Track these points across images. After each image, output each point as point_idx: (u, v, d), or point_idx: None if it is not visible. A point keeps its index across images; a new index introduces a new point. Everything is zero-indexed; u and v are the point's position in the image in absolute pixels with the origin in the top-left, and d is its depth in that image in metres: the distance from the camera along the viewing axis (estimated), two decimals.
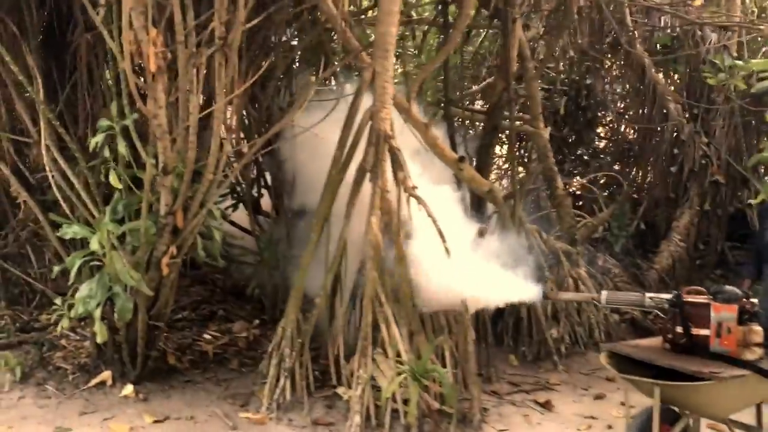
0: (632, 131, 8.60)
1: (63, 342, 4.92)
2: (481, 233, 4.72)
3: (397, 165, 4.14)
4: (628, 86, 8.29)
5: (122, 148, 3.65)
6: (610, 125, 8.95)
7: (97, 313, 3.89)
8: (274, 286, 5.72)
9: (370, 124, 4.18)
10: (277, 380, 4.06)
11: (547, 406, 4.31)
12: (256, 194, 6.02)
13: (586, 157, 8.33)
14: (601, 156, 8.71)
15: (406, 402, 3.64)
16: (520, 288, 4.00)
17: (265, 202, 6.17)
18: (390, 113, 4.21)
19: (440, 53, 4.94)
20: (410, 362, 3.65)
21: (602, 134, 9.08)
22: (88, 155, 4.25)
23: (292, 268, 5.36)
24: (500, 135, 5.83)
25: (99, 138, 3.70)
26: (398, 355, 3.81)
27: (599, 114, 8.63)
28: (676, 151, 7.64)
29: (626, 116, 8.64)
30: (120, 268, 3.82)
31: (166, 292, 4.30)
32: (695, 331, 2.97)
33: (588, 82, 8.08)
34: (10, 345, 4.92)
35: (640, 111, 8.03)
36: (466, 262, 4.04)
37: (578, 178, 8.09)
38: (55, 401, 4.16)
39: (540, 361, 5.30)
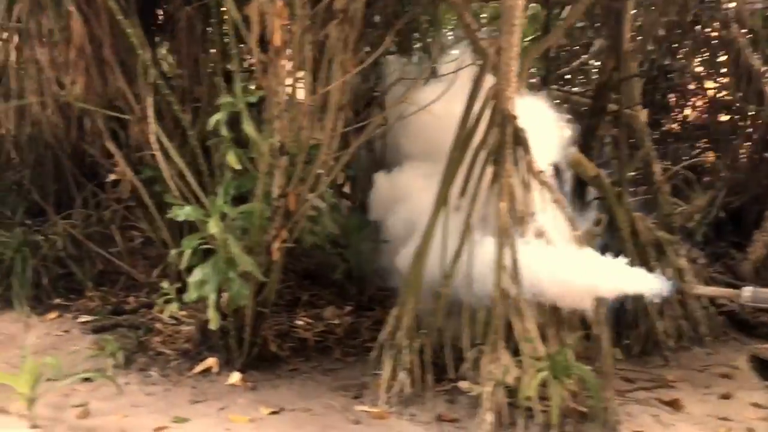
0: (718, 114, 8.21)
1: (159, 326, 4.78)
2: (598, 222, 4.47)
3: (524, 147, 3.89)
4: (717, 67, 7.88)
5: (248, 127, 3.44)
6: (693, 108, 8.57)
7: (212, 298, 3.73)
8: (360, 271, 5.54)
9: (494, 103, 3.92)
10: (394, 372, 3.87)
11: (675, 405, 4.05)
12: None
13: (669, 140, 8.01)
14: (680, 139, 8.37)
15: (542, 400, 3.42)
16: (643, 279, 3.76)
17: None
18: (515, 92, 3.95)
19: (556, 29, 4.67)
20: (549, 358, 3.42)
21: (682, 118, 8.71)
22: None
23: (378, 253, 5.18)
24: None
25: (220, 115, 3.50)
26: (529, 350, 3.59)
27: (680, 96, 8.29)
28: None
29: (710, 98, 8.25)
30: (237, 252, 3.64)
31: (274, 278, 4.13)
32: None
33: (667, 62, 7.75)
34: (105, 328, 4.81)
35: (733, 93, 7.65)
36: (585, 251, 3.79)
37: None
38: (161, 388, 4.01)
39: (646, 355, 5.03)
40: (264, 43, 3.52)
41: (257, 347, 4.24)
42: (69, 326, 4.91)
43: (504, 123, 3.88)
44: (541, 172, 3.89)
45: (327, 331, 4.87)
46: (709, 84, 8.09)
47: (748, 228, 7.46)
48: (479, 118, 3.95)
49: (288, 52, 3.63)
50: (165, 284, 4.14)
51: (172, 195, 3.98)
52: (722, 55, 7.50)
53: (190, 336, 4.52)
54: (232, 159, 3.58)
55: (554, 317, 3.87)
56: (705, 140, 8.20)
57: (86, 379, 3.87)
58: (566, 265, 3.60)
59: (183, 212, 3.80)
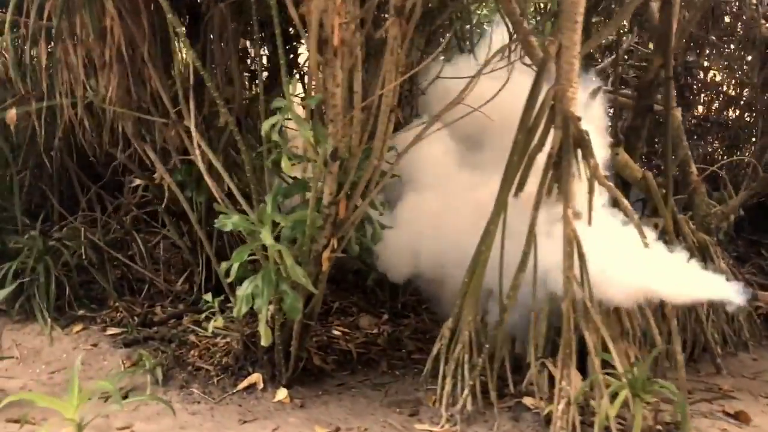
0: (741, 113, 8.07)
1: (192, 338, 4.56)
2: (656, 226, 4.31)
3: (587, 150, 3.71)
4: (744, 66, 7.74)
5: (306, 131, 3.23)
6: (715, 106, 8.43)
7: (264, 312, 3.52)
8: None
9: (555, 104, 3.74)
10: (453, 388, 3.68)
11: (741, 418, 3.88)
12: None
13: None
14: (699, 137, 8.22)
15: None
16: (720, 286, 3.60)
17: None
18: (577, 92, 3.77)
19: (608, 26, 4.49)
20: (626, 374, 3.25)
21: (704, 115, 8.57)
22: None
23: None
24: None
25: (275, 119, 3.28)
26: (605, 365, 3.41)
27: (701, 94, 8.15)
28: None
29: (734, 97, 8.12)
30: (291, 263, 3.43)
31: (321, 288, 3.93)
32: None
33: (689, 59, 7.60)
34: (136, 341, 4.58)
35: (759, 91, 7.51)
36: (658, 256, 3.62)
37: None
38: (205, 407, 3.80)
39: (694, 362, 4.88)
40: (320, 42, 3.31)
41: (303, 361, 4.03)
42: (96, 339, 4.67)
43: (566, 125, 3.70)
44: (607, 175, 3.71)
45: (368, 341, 4.66)
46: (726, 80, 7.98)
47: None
48: (539, 120, 3.75)
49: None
50: (208, 297, 3.93)
51: (217, 203, 3.76)
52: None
53: (228, 349, 4.31)
54: (286, 165, 3.36)
55: (618, 328, 3.72)
56: (721, 138, 8.10)
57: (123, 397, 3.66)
58: (641, 271, 3.42)
59: (230, 221, 3.58)
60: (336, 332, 4.84)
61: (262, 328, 3.55)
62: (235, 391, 3.93)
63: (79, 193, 5.83)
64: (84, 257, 5.19)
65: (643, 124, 5.09)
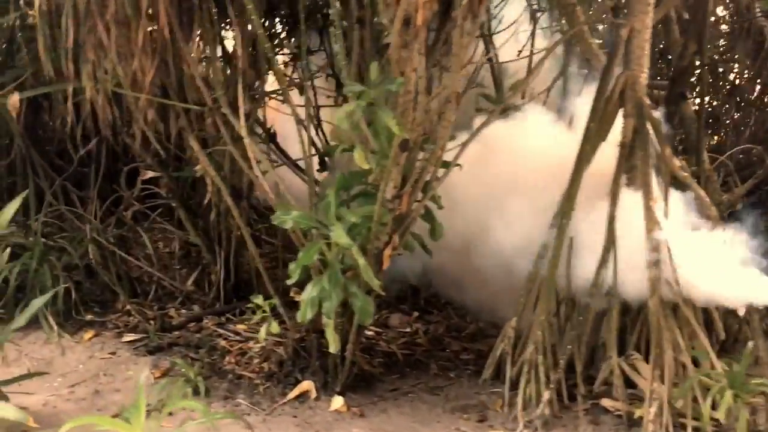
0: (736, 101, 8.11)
1: (223, 343, 4.23)
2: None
3: (661, 139, 3.55)
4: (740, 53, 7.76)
5: (389, 119, 2.95)
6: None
7: (333, 317, 3.23)
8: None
9: (628, 92, 3.57)
10: (525, 391, 3.49)
11: None
12: None
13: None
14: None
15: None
16: None
17: None
18: (646, 79, 3.61)
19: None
20: (725, 374, 3.11)
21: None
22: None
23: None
24: None
25: (354, 107, 2.98)
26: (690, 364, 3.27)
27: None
28: None
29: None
30: (363, 263, 3.15)
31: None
32: None
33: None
34: (159, 348, 4.21)
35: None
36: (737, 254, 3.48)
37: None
38: (257, 419, 3.49)
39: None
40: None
41: (356, 367, 3.77)
42: (113, 347, 4.28)
43: (641, 113, 3.53)
44: (681, 165, 3.57)
45: (409, 342, 4.41)
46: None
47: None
48: (611, 107, 3.57)
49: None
50: (258, 300, 3.61)
51: (273, 198, 3.44)
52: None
53: (266, 355, 4.00)
54: (360, 157, 3.07)
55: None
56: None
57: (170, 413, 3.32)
58: (723, 269, 3.29)
59: (289, 218, 3.28)
60: (368, 332, 4.58)
61: (330, 334, 3.27)
62: (285, 400, 3.63)
63: (46, 187, 5.32)
64: (90, 257, 4.76)
65: (675, 111, 4.98)
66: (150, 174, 4.63)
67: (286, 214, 3.31)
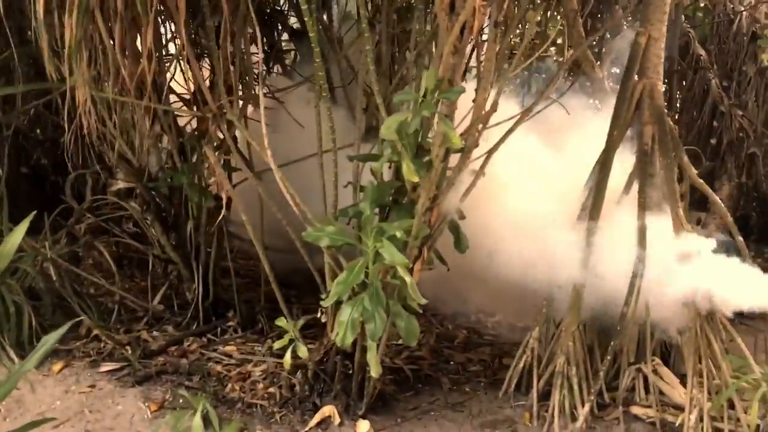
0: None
1: (218, 368, 3.90)
2: (699, 220, 4.33)
3: (677, 147, 3.60)
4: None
5: (449, 128, 2.77)
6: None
7: (376, 339, 3.02)
8: None
9: (646, 99, 3.59)
10: (560, 403, 3.43)
11: None
12: None
13: None
14: None
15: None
16: None
17: None
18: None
19: None
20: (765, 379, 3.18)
21: None
22: None
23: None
24: None
25: (404, 116, 2.79)
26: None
27: None
28: (715, 124, 7.66)
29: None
30: (411, 281, 2.97)
31: None
32: None
33: None
34: (148, 377, 3.82)
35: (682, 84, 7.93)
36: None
37: None
38: None
39: None
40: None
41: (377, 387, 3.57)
42: (90, 379, 3.83)
43: (661, 120, 3.56)
44: (697, 173, 3.63)
45: (413, 356, 4.25)
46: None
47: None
48: (631, 115, 3.58)
49: None
50: (282, 322, 3.33)
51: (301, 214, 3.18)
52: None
53: (271, 379, 3.73)
54: (409, 171, 2.87)
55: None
56: None
57: None
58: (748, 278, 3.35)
59: (326, 234, 3.04)
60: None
61: (374, 357, 3.06)
62: (308, 428, 3.39)
63: None
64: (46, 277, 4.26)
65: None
66: (121, 184, 4.19)
67: (320, 231, 3.07)
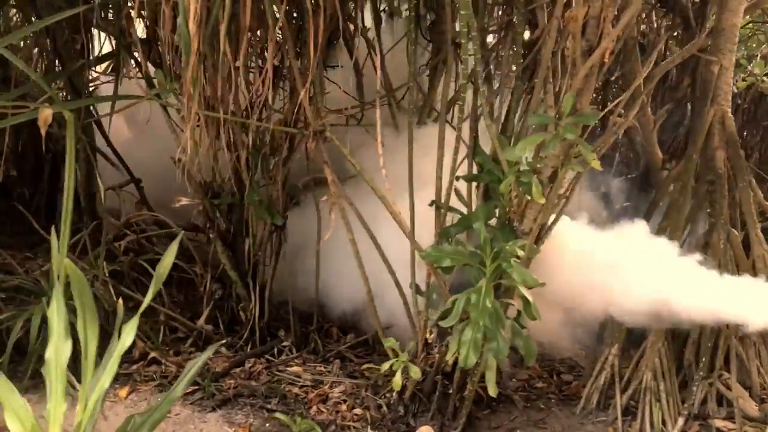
0: None
1: (295, 390, 3.82)
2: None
3: (744, 171, 3.80)
4: None
5: (587, 151, 2.84)
6: None
7: (501, 357, 3.05)
8: None
9: (716, 125, 3.78)
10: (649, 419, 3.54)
11: None
12: None
13: None
14: None
15: None
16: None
17: None
18: None
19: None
20: None
21: None
22: None
23: None
24: None
25: (540, 139, 2.84)
26: None
27: None
28: None
29: None
30: (533, 301, 3.02)
31: None
32: None
33: None
34: (226, 401, 3.70)
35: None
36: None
37: None
38: None
39: None
40: None
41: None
42: None
43: (734, 145, 3.75)
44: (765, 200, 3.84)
45: None
46: None
47: None
48: (704, 141, 3.76)
49: None
50: (391, 342, 3.30)
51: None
52: None
53: (352, 401, 3.68)
54: (538, 192, 2.92)
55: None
56: None
57: None
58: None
59: (447, 255, 3.05)
60: None
61: (492, 377, 3.09)
62: None
63: None
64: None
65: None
66: (184, 200, 4.06)
67: (439, 252, 3.08)
